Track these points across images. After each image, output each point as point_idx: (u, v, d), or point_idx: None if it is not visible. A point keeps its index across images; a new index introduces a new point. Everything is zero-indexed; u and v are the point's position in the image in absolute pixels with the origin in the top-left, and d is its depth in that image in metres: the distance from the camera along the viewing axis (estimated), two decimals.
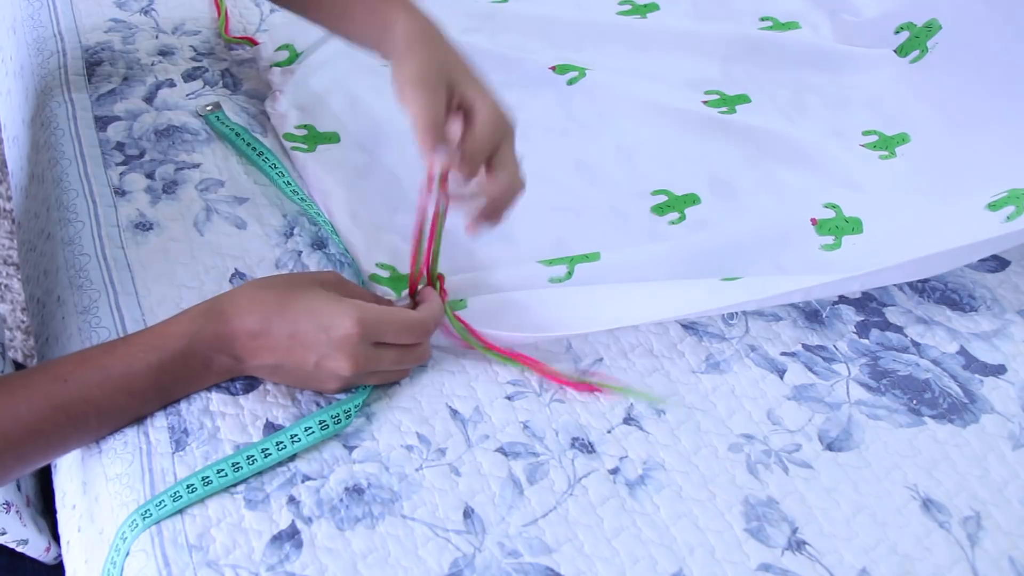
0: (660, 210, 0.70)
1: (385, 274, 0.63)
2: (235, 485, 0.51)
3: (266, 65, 0.80)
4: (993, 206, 0.63)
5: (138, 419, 0.54)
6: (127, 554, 0.49)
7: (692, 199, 0.71)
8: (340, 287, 0.56)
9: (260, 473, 0.52)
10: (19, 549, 0.64)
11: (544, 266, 0.63)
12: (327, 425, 0.54)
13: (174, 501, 0.50)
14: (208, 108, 0.74)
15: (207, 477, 0.51)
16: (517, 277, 0.62)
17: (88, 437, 0.54)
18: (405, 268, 0.63)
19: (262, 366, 0.54)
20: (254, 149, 0.70)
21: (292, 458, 0.53)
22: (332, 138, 0.73)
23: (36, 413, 0.49)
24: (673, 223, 0.69)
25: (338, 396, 0.56)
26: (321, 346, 0.52)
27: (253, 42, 0.82)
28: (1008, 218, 0.62)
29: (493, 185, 0.56)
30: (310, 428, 0.53)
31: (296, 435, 0.53)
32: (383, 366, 0.55)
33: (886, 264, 0.60)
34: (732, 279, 0.61)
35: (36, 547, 0.66)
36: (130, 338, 0.53)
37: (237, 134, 0.71)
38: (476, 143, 0.55)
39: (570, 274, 0.62)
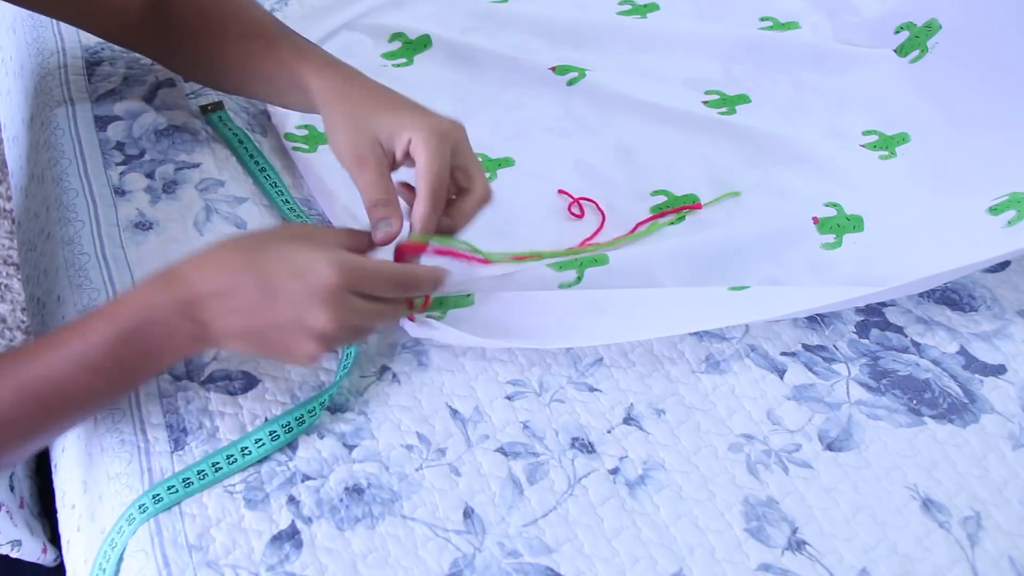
0: (660, 210, 0.70)
1: None
2: (235, 485, 0.51)
3: None
4: (994, 210, 0.63)
5: (109, 404, 0.52)
6: (124, 546, 0.49)
7: (692, 199, 0.71)
8: (316, 236, 0.52)
9: (260, 473, 0.52)
10: (13, 553, 0.63)
11: (554, 271, 0.62)
12: (277, 436, 0.53)
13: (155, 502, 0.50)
14: (209, 107, 0.74)
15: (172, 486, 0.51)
16: (526, 278, 0.62)
17: (57, 422, 0.50)
18: None
19: (231, 331, 0.49)
20: (257, 163, 0.69)
21: (292, 458, 0.53)
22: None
23: (5, 396, 0.47)
24: (673, 223, 0.69)
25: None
26: (298, 297, 0.47)
27: None
28: (1009, 223, 0.62)
29: (466, 203, 0.55)
30: (260, 440, 0.52)
31: (246, 447, 0.52)
32: (365, 321, 0.50)
33: (890, 283, 0.60)
34: (739, 288, 0.61)
35: (31, 550, 0.65)
36: (91, 312, 0.49)
37: (240, 141, 0.71)
38: (425, 192, 0.53)
39: (580, 279, 0.62)
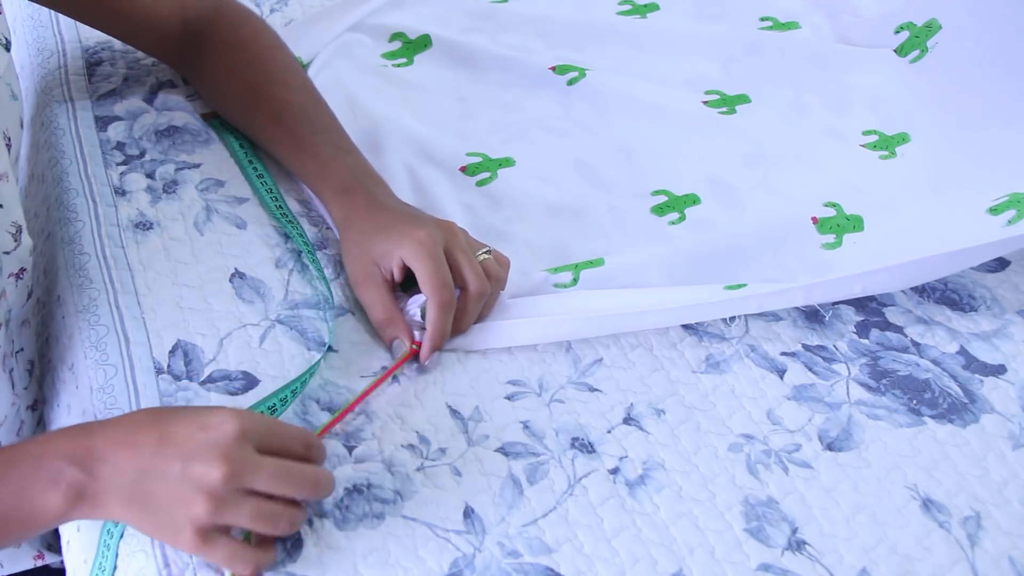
0: (660, 210, 0.70)
1: None
2: None
3: None
4: (994, 210, 0.63)
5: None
6: (121, 536, 0.49)
7: (692, 199, 0.71)
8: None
9: None
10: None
11: (550, 273, 0.63)
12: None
13: None
14: (210, 113, 0.74)
15: None
16: (523, 283, 0.62)
17: None
18: None
19: (118, 485, 0.44)
20: (255, 168, 0.69)
21: None
22: None
23: None
24: (673, 223, 0.69)
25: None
26: (193, 447, 0.43)
27: None
28: (1009, 222, 0.62)
29: (462, 302, 0.58)
30: None
31: None
32: (262, 483, 0.44)
33: (886, 264, 0.60)
34: (736, 287, 0.61)
35: (19, 559, 0.65)
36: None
37: (241, 146, 0.71)
38: (429, 300, 0.56)
39: (575, 280, 0.62)
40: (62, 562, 0.66)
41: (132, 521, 0.45)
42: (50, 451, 0.45)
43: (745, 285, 0.61)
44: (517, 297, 0.62)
